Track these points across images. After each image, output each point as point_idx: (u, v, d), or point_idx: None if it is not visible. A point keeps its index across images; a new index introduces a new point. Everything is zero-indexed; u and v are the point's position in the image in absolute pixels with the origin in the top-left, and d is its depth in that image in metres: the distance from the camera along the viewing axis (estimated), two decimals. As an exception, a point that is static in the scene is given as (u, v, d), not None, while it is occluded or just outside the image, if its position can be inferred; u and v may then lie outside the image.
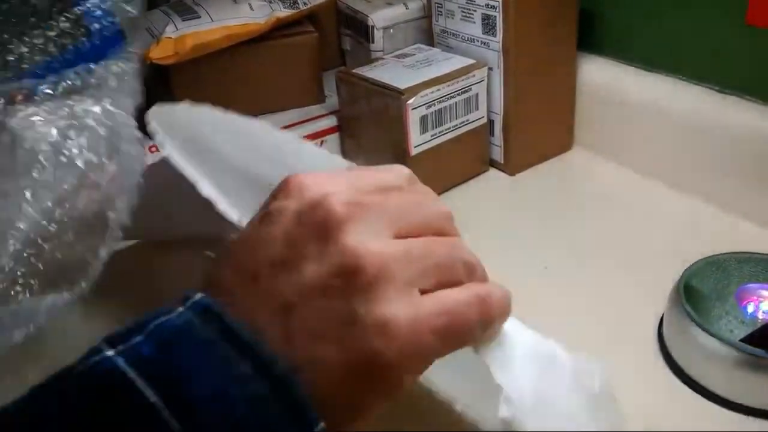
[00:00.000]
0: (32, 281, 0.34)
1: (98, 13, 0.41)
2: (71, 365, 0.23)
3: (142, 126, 0.39)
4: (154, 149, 0.46)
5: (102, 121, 0.37)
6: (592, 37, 0.66)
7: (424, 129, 0.59)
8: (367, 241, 0.26)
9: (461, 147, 0.63)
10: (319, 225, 0.26)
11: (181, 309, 0.25)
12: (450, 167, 0.63)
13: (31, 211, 0.34)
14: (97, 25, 0.41)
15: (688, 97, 0.58)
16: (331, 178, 0.28)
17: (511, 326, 0.30)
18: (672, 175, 0.61)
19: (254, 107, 0.55)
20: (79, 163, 0.36)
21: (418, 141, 0.59)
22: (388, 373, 0.25)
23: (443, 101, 0.60)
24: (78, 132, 0.36)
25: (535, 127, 0.65)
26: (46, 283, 0.35)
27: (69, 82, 0.38)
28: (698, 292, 0.43)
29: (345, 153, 0.67)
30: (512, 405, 0.28)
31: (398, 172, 0.30)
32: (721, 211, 0.57)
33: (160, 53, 0.62)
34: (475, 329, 0.28)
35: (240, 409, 0.23)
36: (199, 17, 0.65)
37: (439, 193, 0.60)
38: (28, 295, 0.34)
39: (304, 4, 0.69)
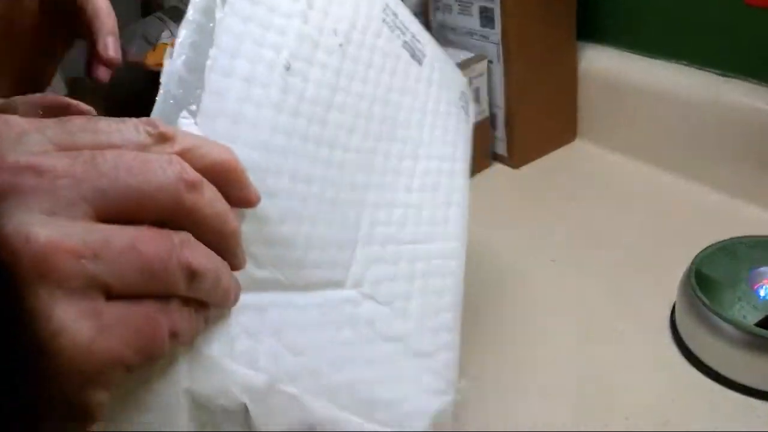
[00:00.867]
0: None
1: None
2: None
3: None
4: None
5: None
6: (592, 25, 0.65)
7: (425, 125, 0.59)
8: (33, 224, 0.18)
9: (464, 142, 0.63)
10: None
11: None
12: (453, 163, 0.63)
13: None
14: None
15: (690, 83, 0.58)
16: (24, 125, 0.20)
17: None
18: (677, 162, 0.60)
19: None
20: None
21: (420, 137, 0.59)
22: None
23: (444, 96, 0.59)
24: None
25: (538, 119, 0.65)
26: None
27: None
28: (709, 279, 0.42)
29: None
30: None
31: (134, 124, 0.21)
32: (728, 197, 0.56)
33: (156, 59, 0.62)
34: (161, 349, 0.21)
35: None
36: (195, 22, 0.65)
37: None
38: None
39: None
